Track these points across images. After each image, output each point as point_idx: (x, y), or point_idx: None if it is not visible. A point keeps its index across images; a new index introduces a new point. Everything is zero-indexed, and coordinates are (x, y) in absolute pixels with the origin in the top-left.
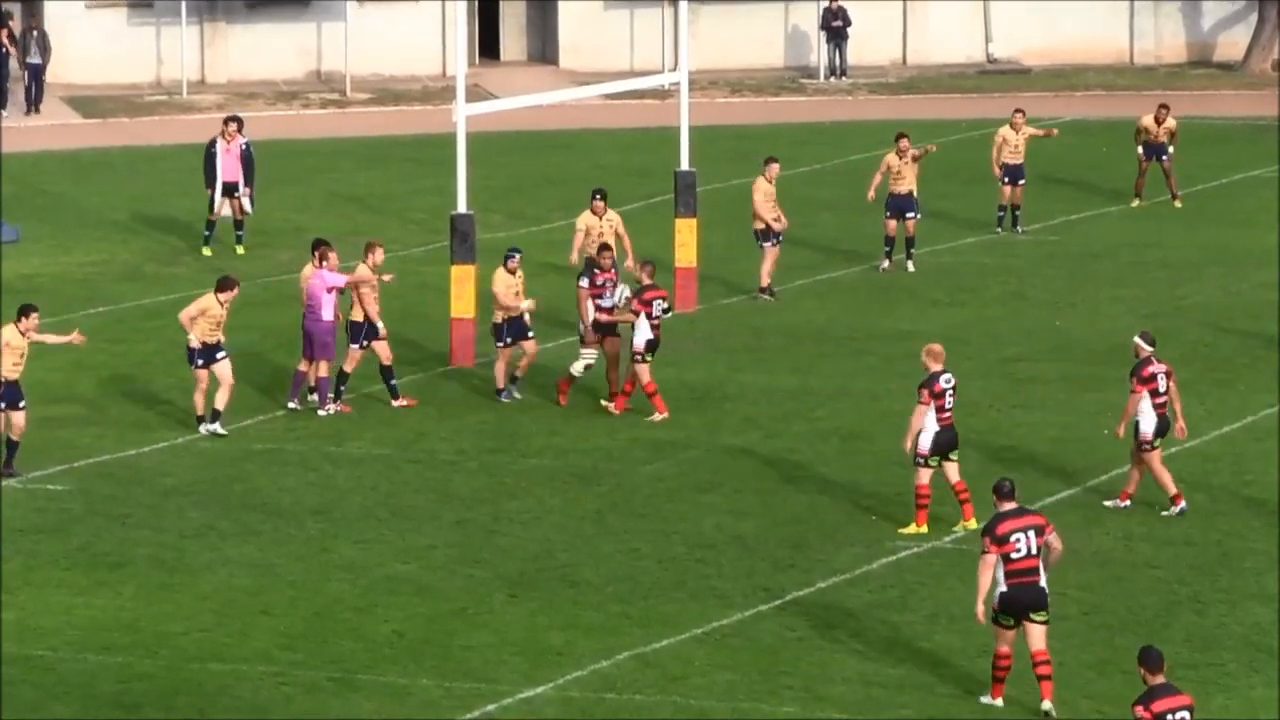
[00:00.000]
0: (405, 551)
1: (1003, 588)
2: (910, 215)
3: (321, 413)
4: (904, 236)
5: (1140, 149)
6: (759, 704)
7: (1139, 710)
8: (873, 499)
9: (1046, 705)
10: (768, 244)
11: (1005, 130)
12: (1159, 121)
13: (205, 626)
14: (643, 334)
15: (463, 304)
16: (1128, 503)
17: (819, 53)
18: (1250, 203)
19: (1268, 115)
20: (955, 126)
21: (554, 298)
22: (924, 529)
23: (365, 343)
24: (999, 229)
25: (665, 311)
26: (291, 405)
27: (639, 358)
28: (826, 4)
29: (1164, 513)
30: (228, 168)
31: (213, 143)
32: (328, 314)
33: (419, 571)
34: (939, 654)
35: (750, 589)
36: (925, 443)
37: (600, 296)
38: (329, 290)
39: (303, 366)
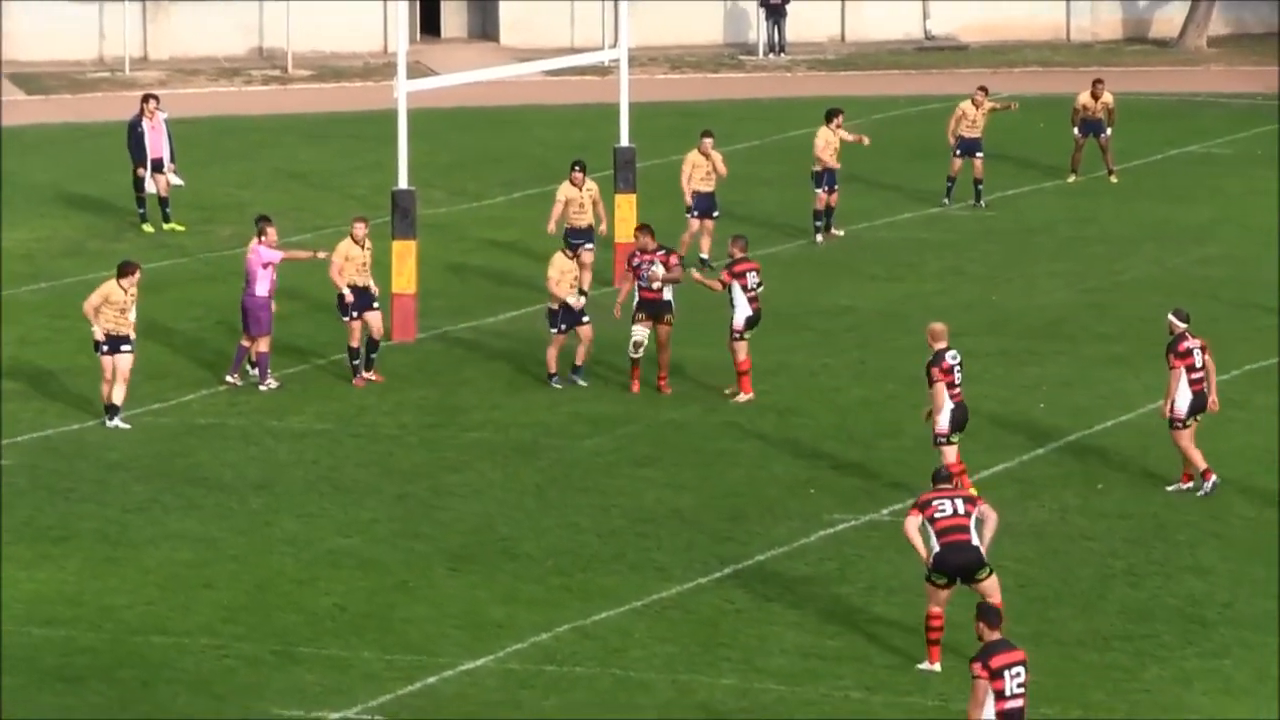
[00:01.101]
0: (347, 525)
1: (935, 547)
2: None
3: (262, 388)
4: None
5: (1076, 127)
6: (698, 676)
7: (976, 668)
8: (811, 472)
9: None
10: (691, 216)
11: (966, 105)
12: (1095, 97)
13: (148, 600)
14: (741, 311)
15: (404, 279)
16: (1190, 484)
17: (758, 30)
18: (1186, 178)
19: (1203, 91)
20: (893, 103)
21: (495, 272)
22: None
23: (355, 314)
24: (946, 200)
25: (759, 285)
26: (230, 379)
27: (738, 335)
28: None
29: (1197, 493)
30: (154, 144)
31: (137, 122)
32: (262, 289)
33: (360, 545)
34: (877, 626)
35: (689, 562)
36: (943, 422)
37: (641, 277)
38: (264, 265)
39: (244, 341)
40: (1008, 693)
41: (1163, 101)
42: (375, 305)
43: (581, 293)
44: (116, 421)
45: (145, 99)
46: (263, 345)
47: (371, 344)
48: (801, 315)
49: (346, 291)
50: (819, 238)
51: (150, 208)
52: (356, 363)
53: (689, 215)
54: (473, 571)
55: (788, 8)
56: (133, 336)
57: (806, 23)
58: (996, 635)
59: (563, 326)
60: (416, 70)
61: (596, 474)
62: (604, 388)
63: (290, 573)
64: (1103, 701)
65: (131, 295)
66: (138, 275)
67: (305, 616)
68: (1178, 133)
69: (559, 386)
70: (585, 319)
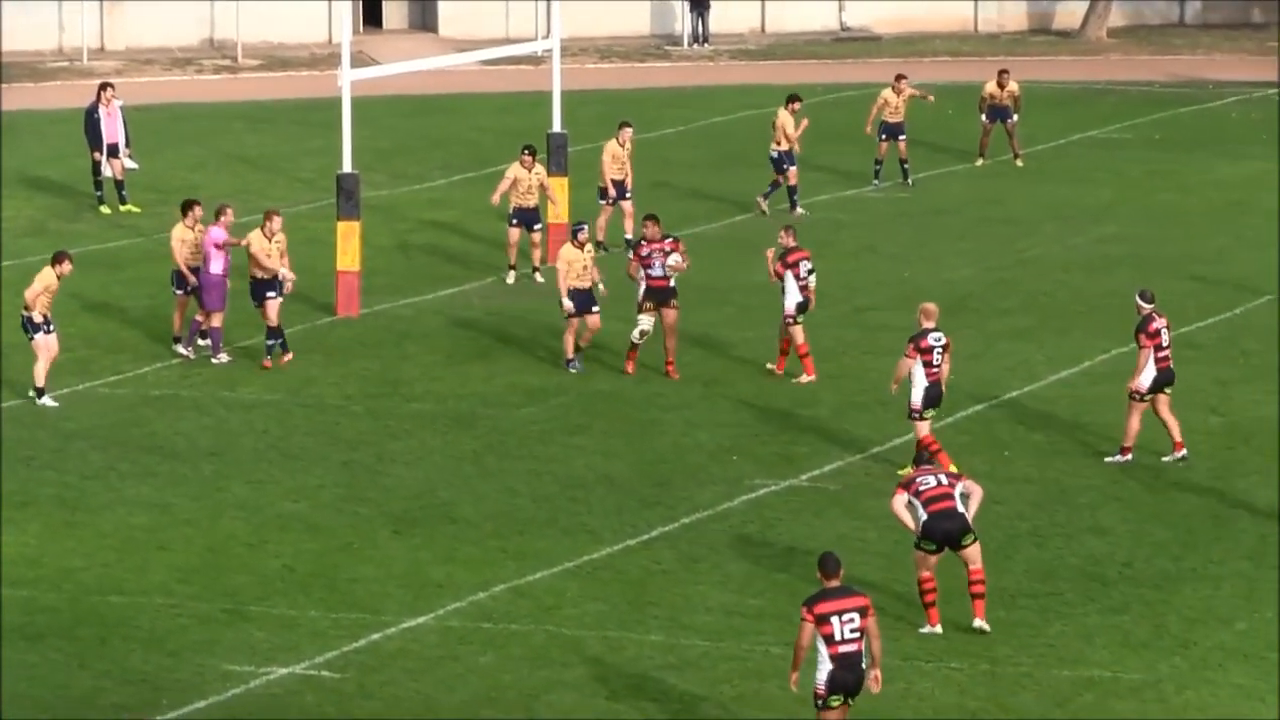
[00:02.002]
0: (295, 491)
1: (923, 516)
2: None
3: (215, 360)
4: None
5: (984, 114)
6: (627, 633)
7: (803, 611)
8: (733, 440)
9: (979, 623)
10: (604, 202)
11: (887, 92)
12: (1001, 86)
13: (106, 562)
14: (792, 297)
15: (348, 258)
16: (1184, 452)
17: (683, 21)
18: (1086, 162)
19: (1103, 80)
20: (810, 91)
21: (435, 251)
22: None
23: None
24: (876, 181)
25: (810, 273)
26: (184, 351)
27: (791, 320)
28: None
29: (1107, 459)
30: (110, 130)
31: (94, 108)
32: (216, 267)
33: (308, 510)
34: (796, 585)
35: (619, 525)
36: (917, 398)
37: (649, 266)
38: (217, 246)
39: (199, 316)
40: (838, 637)
41: (1065, 89)
42: (273, 295)
43: (595, 285)
44: (47, 400)
45: (102, 87)
46: (216, 320)
47: (271, 331)
48: (724, 290)
49: (261, 273)
50: (800, 210)
51: (107, 190)
52: (272, 343)
53: (602, 201)
54: (414, 534)
55: (710, 1)
56: (50, 316)
57: (728, 15)
58: (834, 583)
59: (593, 309)
60: (360, 60)
61: (531, 442)
62: (537, 360)
63: (241, 536)
64: (1009, 656)
65: (61, 283)
66: (69, 264)
67: (255, 577)
68: (1079, 119)
69: (575, 370)
70: (596, 308)
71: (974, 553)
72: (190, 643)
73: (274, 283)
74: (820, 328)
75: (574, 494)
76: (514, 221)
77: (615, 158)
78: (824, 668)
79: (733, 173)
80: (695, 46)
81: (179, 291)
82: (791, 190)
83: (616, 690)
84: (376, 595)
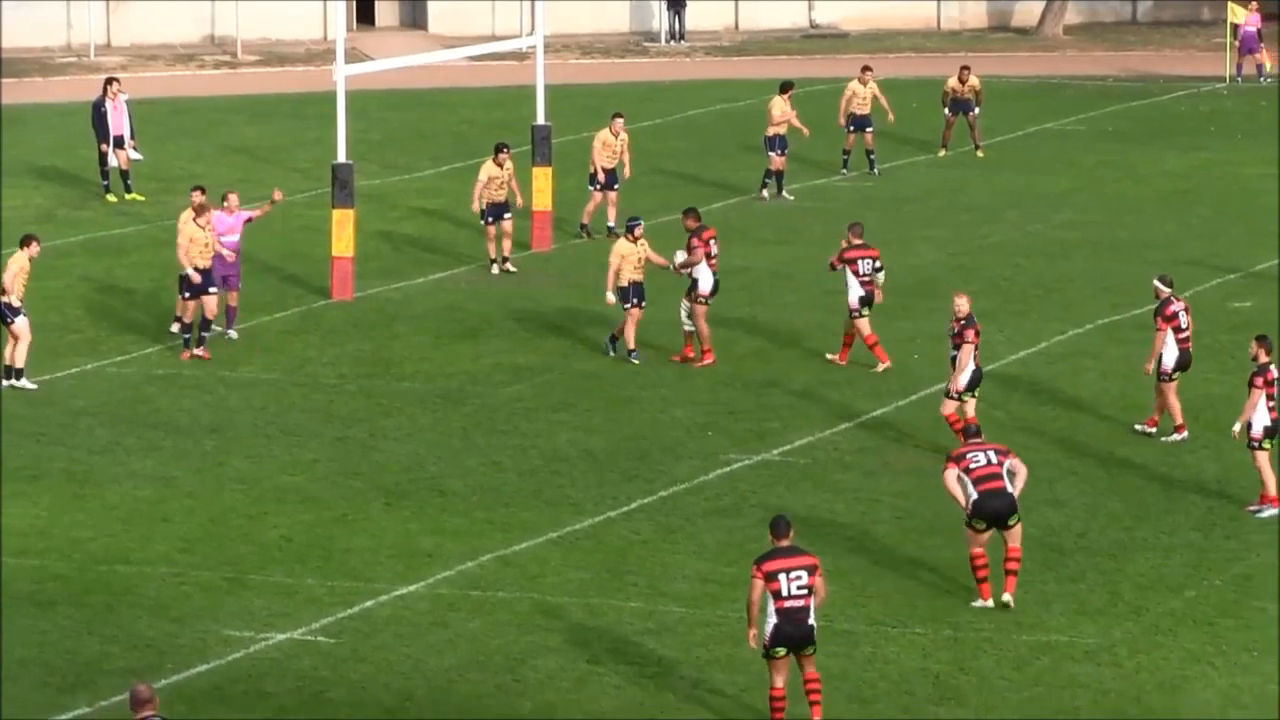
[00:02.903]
0: (291, 465)
1: (974, 494)
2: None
3: (230, 335)
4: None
5: (946, 107)
6: (608, 600)
7: (753, 569)
8: (708, 417)
9: (1006, 597)
10: (594, 188)
11: (854, 84)
12: (962, 81)
13: (112, 532)
14: (854, 291)
15: (342, 244)
16: (1155, 428)
17: (660, 19)
18: (1044, 152)
19: (1059, 74)
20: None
21: (424, 238)
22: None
23: (190, 295)
24: (844, 170)
25: (877, 269)
26: (199, 351)
27: (854, 314)
28: None
29: (1164, 439)
30: (116, 123)
31: (101, 102)
32: (233, 246)
33: (304, 483)
34: None
35: (600, 497)
36: (963, 380)
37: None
38: (247, 223)
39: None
40: (784, 593)
41: (1024, 84)
42: (213, 289)
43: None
44: (25, 381)
45: (108, 82)
46: (232, 300)
47: (204, 323)
48: None
49: (193, 273)
50: (765, 194)
51: (113, 180)
52: (187, 336)
53: (591, 188)
54: (405, 506)
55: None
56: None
57: (704, 13)
58: (784, 543)
59: (634, 301)
60: (353, 56)
61: (516, 418)
62: (522, 341)
63: (240, 508)
64: (971, 621)
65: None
66: (36, 246)
67: (254, 547)
68: (1037, 111)
69: (637, 362)
70: (643, 302)
71: (1016, 532)
72: (193, 609)
73: (211, 275)
74: (792, 311)
75: (557, 468)
76: (489, 219)
77: (606, 145)
78: (770, 621)
79: (708, 163)
80: (672, 43)
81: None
82: (779, 176)
83: (597, 654)
84: (369, 564)
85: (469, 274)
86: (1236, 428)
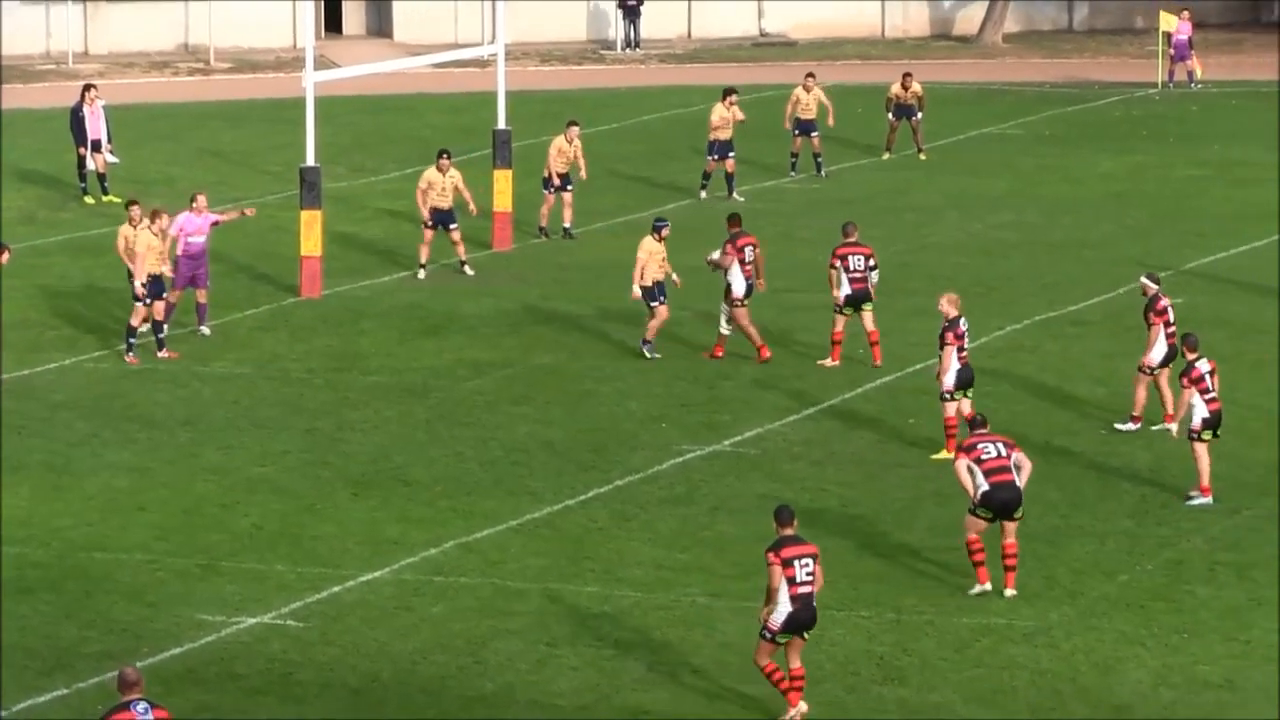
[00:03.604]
0: (262, 456)
1: (984, 485)
2: (731, 155)
3: (203, 331)
4: (725, 173)
5: (890, 113)
6: (566, 585)
7: (770, 556)
8: (662, 409)
9: (1010, 591)
10: (547, 191)
11: (799, 91)
12: (905, 88)
13: (90, 521)
14: (843, 288)
15: (310, 244)
16: (1174, 425)
17: (616, 28)
18: (984, 156)
19: (998, 81)
20: (733, 91)
21: (390, 238)
22: (952, 454)
23: (149, 300)
24: (793, 173)
25: (871, 267)
26: (166, 354)
27: (838, 309)
28: None
29: (1154, 427)
30: (93, 127)
31: (79, 107)
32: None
33: (274, 473)
34: (719, 541)
35: (558, 487)
36: (949, 380)
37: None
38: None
39: (171, 297)
40: (798, 579)
41: (964, 89)
42: (165, 295)
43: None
44: None
45: (86, 88)
46: (201, 297)
47: (156, 325)
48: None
49: (138, 282)
50: (703, 194)
51: (90, 182)
52: (133, 340)
53: (545, 190)
54: (371, 496)
55: (642, 8)
56: None
57: (658, 21)
58: (789, 531)
59: (661, 300)
60: (322, 63)
61: (478, 411)
62: (483, 337)
63: (214, 497)
64: (914, 605)
65: None
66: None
67: (227, 535)
68: (977, 116)
69: (657, 356)
70: (665, 299)
71: (1014, 528)
72: (167, 595)
73: (161, 281)
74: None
75: (517, 458)
76: (431, 224)
77: (561, 152)
78: (784, 609)
79: (662, 165)
80: (628, 51)
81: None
82: (729, 178)
83: (556, 637)
84: (337, 551)
85: (432, 274)
86: (1174, 428)
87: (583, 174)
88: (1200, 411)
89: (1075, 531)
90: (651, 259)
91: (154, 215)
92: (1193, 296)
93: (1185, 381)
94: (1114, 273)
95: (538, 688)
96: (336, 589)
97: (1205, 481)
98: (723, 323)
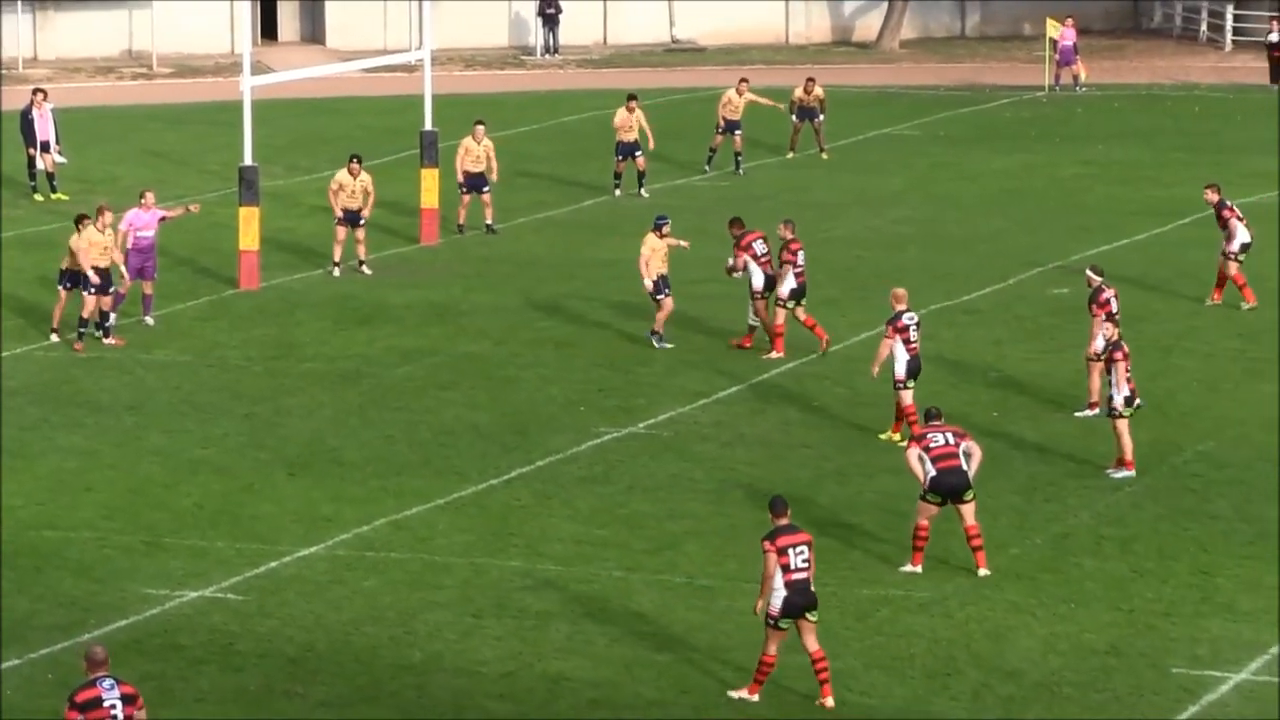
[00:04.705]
0: (204, 439)
1: (932, 471)
2: (639, 154)
3: (148, 320)
4: (636, 172)
5: (794, 115)
6: (491, 559)
7: (765, 545)
8: (581, 394)
9: (983, 571)
10: (464, 191)
11: (730, 93)
12: (808, 91)
13: (41, 501)
14: (788, 283)
15: (249, 239)
16: (1096, 410)
17: (536, 34)
18: (883, 155)
19: (895, 84)
20: (645, 94)
21: (324, 233)
22: (898, 435)
23: (95, 291)
24: (708, 168)
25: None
26: (79, 344)
27: (781, 303)
28: None
29: (1076, 414)
30: (42, 129)
31: (29, 110)
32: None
33: (215, 455)
34: (635, 518)
35: (483, 467)
36: (900, 371)
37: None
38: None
39: (121, 290)
40: (792, 566)
41: (864, 93)
42: (113, 288)
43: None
44: None
45: (35, 92)
46: (147, 289)
47: (103, 315)
48: (573, 266)
49: (92, 274)
50: (617, 193)
51: (40, 181)
52: (83, 330)
53: (461, 190)
54: (307, 476)
55: (560, 16)
56: None
57: (576, 28)
58: (784, 521)
59: (666, 293)
60: (258, 68)
61: (407, 396)
62: (411, 326)
63: (157, 478)
64: (818, 577)
65: None
66: None
67: (170, 514)
68: (876, 118)
69: (667, 346)
70: (669, 292)
71: (971, 509)
72: (114, 570)
73: (109, 276)
74: None
75: (444, 440)
76: (340, 219)
77: (469, 151)
78: (779, 594)
79: (579, 165)
80: (547, 56)
81: (71, 289)
82: (640, 176)
83: (482, 608)
84: (274, 529)
85: (367, 264)
86: (1094, 413)
87: (493, 175)
88: (1122, 391)
89: None
90: (655, 255)
91: (100, 211)
92: (1078, 287)
93: (1118, 355)
94: (1004, 265)
95: (464, 656)
96: (274, 564)
97: (1128, 456)
98: (750, 315)
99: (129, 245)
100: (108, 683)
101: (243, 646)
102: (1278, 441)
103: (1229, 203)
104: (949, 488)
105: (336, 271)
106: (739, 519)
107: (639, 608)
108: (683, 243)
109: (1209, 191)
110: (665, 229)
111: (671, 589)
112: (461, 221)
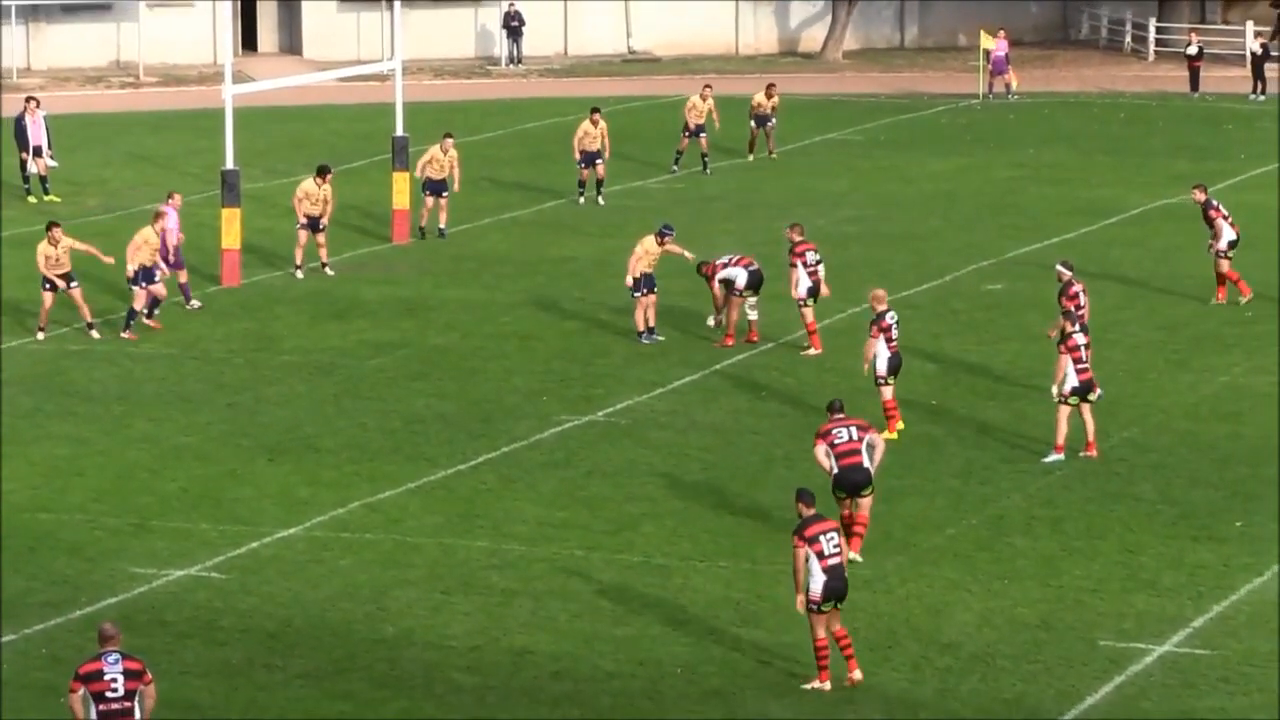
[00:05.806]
0: (188, 427)
1: (835, 468)
2: (600, 162)
3: (192, 307)
4: (595, 179)
5: (752, 120)
6: (459, 540)
7: (795, 540)
8: (544, 384)
9: (855, 556)
10: (426, 194)
11: (695, 99)
12: (769, 96)
13: (34, 485)
14: (803, 283)
15: (231, 238)
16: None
17: (501, 45)
18: (827, 158)
19: (839, 92)
20: (604, 102)
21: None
22: (894, 435)
23: (143, 284)
24: (675, 168)
25: (818, 261)
26: (95, 334)
27: (801, 302)
28: (507, 7)
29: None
30: (34, 135)
31: (21, 117)
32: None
33: (199, 442)
34: (594, 501)
35: (451, 453)
36: (882, 367)
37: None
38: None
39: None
40: (826, 553)
41: (810, 100)
42: (156, 281)
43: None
44: None
45: (28, 99)
46: (182, 277)
47: (155, 302)
48: (535, 263)
49: (130, 269)
50: (580, 199)
51: (33, 184)
52: (133, 320)
53: (425, 193)
54: (285, 462)
55: (523, 29)
56: None
57: (539, 40)
58: (811, 511)
59: (643, 290)
60: (239, 77)
61: (380, 386)
62: (383, 320)
63: (145, 464)
64: (767, 556)
65: None
66: None
67: (157, 497)
68: (821, 124)
69: (647, 343)
70: (652, 291)
71: (866, 502)
72: (103, 551)
73: (153, 269)
74: (612, 292)
75: (415, 428)
76: (303, 224)
77: (435, 160)
78: (818, 579)
79: (542, 168)
80: (511, 66)
81: (52, 290)
82: (599, 183)
83: (450, 586)
84: (255, 511)
85: (338, 264)
86: (1054, 390)
87: (456, 186)
88: (1071, 380)
89: (907, 490)
90: (646, 257)
91: (156, 216)
92: (1012, 283)
93: (1062, 349)
94: (942, 261)
95: (434, 631)
96: (254, 545)
97: (1060, 441)
98: (749, 311)
99: (172, 243)
100: (112, 657)
101: (225, 622)
102: (1199, 428)
103: (1215, 203)
104: (851, 484)
105: (299, 274)
106: (692, 501)
107: (599, 585)
108: (686, 253)
109: (1196, 191)
110: (669, 238)
111: (629, 567)
112: (423, 224)
